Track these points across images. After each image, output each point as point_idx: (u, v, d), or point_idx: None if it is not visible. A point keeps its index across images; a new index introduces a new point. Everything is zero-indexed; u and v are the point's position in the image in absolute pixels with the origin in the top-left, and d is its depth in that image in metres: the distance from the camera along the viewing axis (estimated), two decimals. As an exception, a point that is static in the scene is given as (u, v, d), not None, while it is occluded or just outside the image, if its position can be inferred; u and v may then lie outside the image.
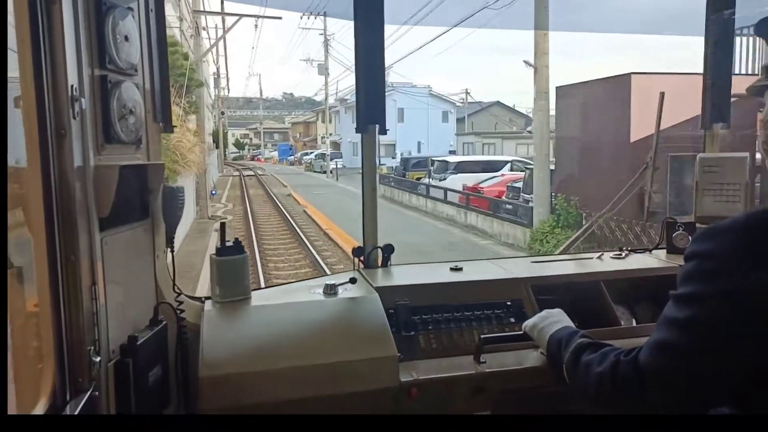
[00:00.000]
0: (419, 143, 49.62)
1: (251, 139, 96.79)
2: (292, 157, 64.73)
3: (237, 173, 46.07)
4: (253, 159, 79.49)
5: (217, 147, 41.97)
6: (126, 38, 1.36)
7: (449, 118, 52.98)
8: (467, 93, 54.69)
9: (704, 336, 1.04)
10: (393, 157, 42.50)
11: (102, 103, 1.29)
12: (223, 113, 52.00)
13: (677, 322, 1.08)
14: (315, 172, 46.26)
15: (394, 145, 44.67)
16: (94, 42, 1.27)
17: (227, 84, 56.81)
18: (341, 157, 42.54)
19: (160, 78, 1.57)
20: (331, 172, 39.64)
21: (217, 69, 48.57)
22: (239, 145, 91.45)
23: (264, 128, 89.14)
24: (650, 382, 1.10)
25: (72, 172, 1.18)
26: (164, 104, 1.60)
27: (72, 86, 1.17)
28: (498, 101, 53.18)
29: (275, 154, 75.74)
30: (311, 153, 56.35)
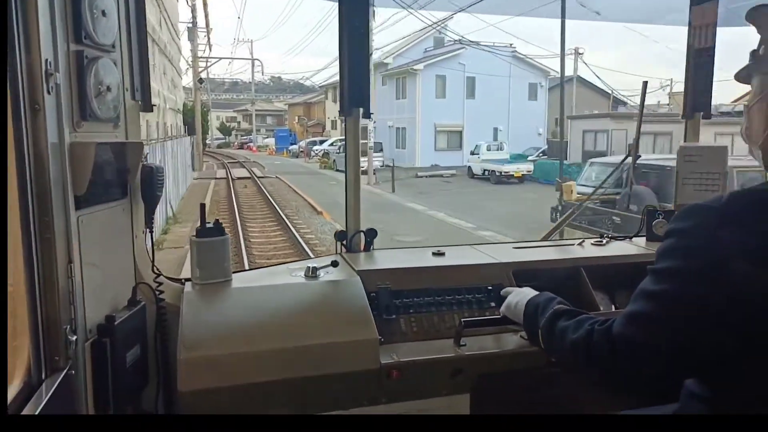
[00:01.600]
0: (496, 130, 31.98)
1: (239, 122, 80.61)
2: (296, 146, 47.57)
3: (223, 172, 28.02)
4: (242, 147, 63.22)
5: (189, 133, 28.20)
6: (103, 13, 1.34)
7: (538, 93, 34.01)
8: (578, 54, 31.18)
9: (674, 310, 1.07)
10: (474, 152, 26.76)
11: (78, 79, 1.27)
12: (201, 81, 34.69)
13: (651, 294, 1.10)
14: (339, 171, 26.92)
15: (460, 132, 29.66)
16: (70, 16, 1.25)
17: (208, 40, 36.59)
18: (380, 150, 26.64)
19: (138, 55, 1.55)
20: (374, 174, 23.85)
21: (193, 13, 32.77)
22: (225, 130, 75.99)
23: (256, 110, 70.85)
24: (621, 351, 1.13)
25: (47, 148, 1.16)
26: (143, 82, 1.57)
27: (46, 60, 1.14)
28: (578, 75, 34.51)
29: (271, 141, 57.98)
30: (323, 141, 40.68)
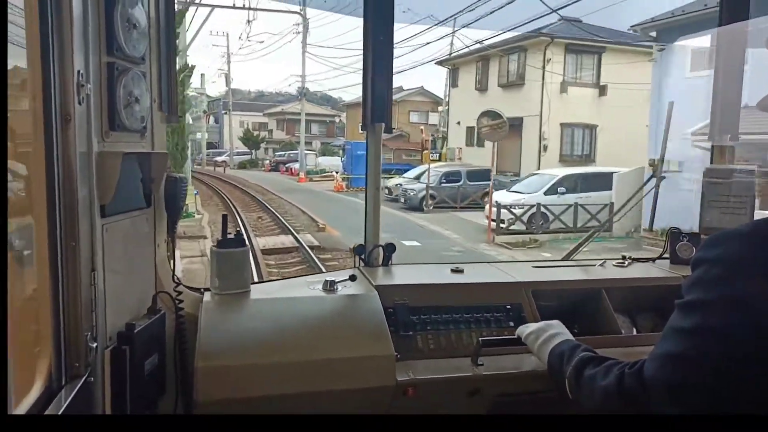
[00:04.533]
0: None
1: (270, 131, 57.62)
2: (416, 188, 20.92)
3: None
4: (276, 168, 40.58)
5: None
6: (135, 26, 1.37)
7: None
8: None
9: (709, 345, 1.01)
10: None
11: (108, 90, 1.30)
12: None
13: (683, 331, 1.05)
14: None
15: None
16: (103, 29, 1.28)
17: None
18: None
19: (167, 68, 1.58)
20: None
21: None
22: (251, 141, 51.30)
23: (293, 113, 46.48)
24: (655, 395, 1.08)
25: (75, 157, 1.18)
26: (170, 94, 1.60)
27: (78, 72, 1.17)
28: None
29: (330, 162, 36.76)
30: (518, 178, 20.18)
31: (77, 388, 1.19)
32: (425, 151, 23.96)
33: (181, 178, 1.62)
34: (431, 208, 19.81)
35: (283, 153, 45.46)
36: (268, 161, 45.93)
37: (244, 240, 1.79)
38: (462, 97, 29.33)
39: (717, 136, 2.43)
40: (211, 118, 55.16)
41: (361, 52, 2.08)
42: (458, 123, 28.99)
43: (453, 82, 30.31)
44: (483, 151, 23.55)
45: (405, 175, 24.36)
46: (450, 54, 28.34)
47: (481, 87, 27.88)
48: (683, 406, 1.06)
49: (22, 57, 1.10)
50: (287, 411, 1.59)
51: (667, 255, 2.35)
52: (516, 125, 22.67)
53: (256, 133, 53.92)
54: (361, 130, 2.11)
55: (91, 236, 1.25)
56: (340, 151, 39.28)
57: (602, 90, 23.34)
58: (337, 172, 30.02)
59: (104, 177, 1.28)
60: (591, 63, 22.71)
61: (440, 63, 30.13)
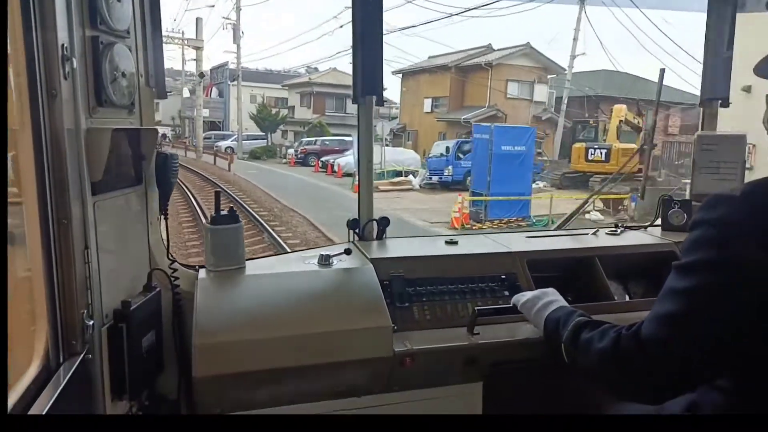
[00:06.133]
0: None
1: (292, 108, 42.34)
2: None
3: None
4: (304, 161, 29.70)
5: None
6: None
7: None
8: None
9: (704, 304, 1.04)
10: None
11: (94, 64, 1.27)
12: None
13: (679, 291, 1.07)
14: None
15: None
16: (86, 1, 1.24)
17: None
18: None
19: (153, 42, 1.55)
20: None
21: None
22: (266, 119, 37.98)
23: (327, 85, 36.97)
24: (653, 354, 1.09)
25: (63, 134, 1.16)
26: (158, 69, 1.57)
27: (63, 45, 1.14)
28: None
29: (403, 157, 22.99)
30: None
31: (75, 365, 1.19)
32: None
33: (172, 154, 1.60)
34: None
35: (313, 140, 32.14)
36: (292, 151, 31.94)
37: (238, 216, 1.78)
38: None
39: (707, 102, 2.43)
40: (214, 91, 44.72)
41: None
42: (745, 90, 9.53)
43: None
44: None
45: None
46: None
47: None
48: (678, 365, 1.08)
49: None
50: (286, 385, 1.61)
51: (658, 222, 2.37)
52: None
53: (273, 110, 39.88)
54: (353, 102, 2.09)
55: (83, 214, 1.24)
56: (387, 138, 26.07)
57: None
58: (411, 175, 17.10)
59: (94, 154, 1.26)
60: None
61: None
